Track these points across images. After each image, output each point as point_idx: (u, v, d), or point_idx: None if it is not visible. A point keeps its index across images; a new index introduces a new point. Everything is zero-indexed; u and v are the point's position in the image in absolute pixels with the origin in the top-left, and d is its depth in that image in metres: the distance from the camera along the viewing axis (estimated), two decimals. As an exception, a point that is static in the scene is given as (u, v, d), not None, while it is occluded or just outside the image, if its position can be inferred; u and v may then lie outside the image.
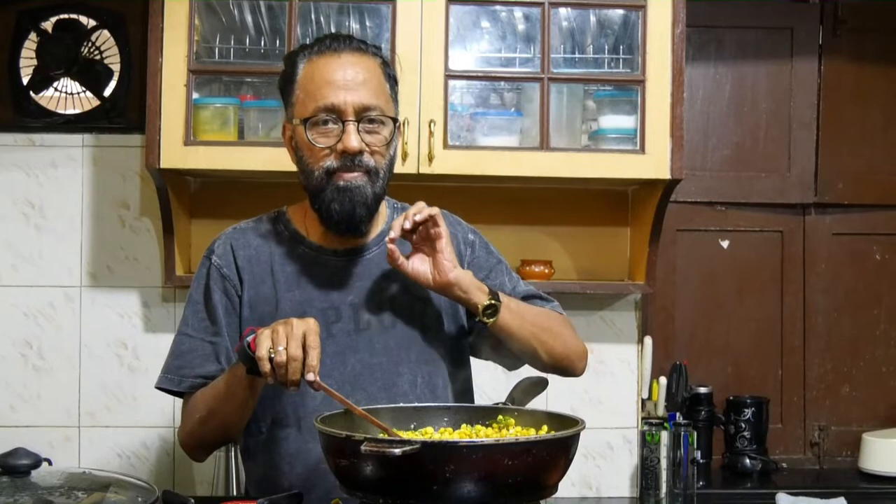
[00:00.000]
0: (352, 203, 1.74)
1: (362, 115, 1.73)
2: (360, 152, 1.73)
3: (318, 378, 1.51)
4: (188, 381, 1.80)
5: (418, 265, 1.72)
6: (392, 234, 1.68)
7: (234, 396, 1.70)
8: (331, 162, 1.74)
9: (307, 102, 1.74)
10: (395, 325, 1.81)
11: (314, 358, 1.51)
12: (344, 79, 1.73)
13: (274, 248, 1.84)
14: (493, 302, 1.72)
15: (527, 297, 1.89)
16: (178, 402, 2.77)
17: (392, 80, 1.82)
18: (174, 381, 1.82)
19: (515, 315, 1.76)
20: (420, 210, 1.69)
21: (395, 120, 1.78)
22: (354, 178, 1.73)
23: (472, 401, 1.93)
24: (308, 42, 1.84)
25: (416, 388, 1.80)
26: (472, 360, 1.94)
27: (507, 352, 1.84)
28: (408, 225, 1.68)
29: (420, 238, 1.72)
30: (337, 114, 1.72)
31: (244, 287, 1.82)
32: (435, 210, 1.70)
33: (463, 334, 1.89)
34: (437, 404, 1.70)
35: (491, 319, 1.73)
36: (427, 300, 1.83)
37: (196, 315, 1.83)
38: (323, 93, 1.73)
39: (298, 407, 1.76)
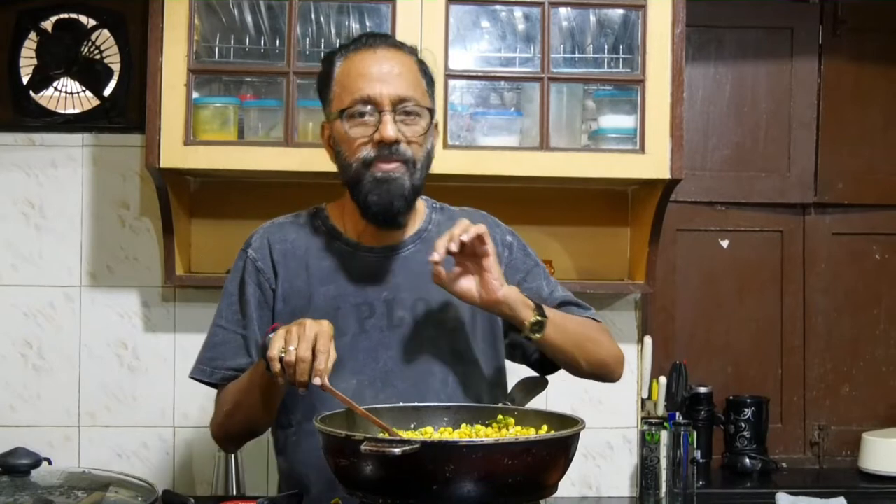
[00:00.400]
0: (389, 194, 1.75)
1: (398, 105, 1.74)
2: (397, 142, 1.73)
3: (325, 381, 1.51)
4: (220, 373, 1.83)
5: (464, 283, 1.69)
6: (436, 256, 1.64)
7: (256, 390, 1.72)
8: (367, 152, 1.74)
9: (343, 96, 1.76)
10: (430, 324, 1.81)
11: (322, 362, 1.51)
12: (380, 71, 1.75)
13: (310, 243, 1.86)
14: (539, 319, 1.71)
15: (563, 304, 1.88)
16: (178, 402, 2.82)
17: (428, 78, 1.83)
18: (206, 372, 1.85)
19: (559, 328, 1.75)
20: (466, 229, 1.65)
21: (431, 111, 1.79)
22: (392, 168, 1.74)
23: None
24: (342, 42, 1.89)
25: (448, 387, 1.80)
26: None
27: (545, 359, 1.86)
28: (454, 247, 1.63)
29: (465, 255, 1.68)
30: (373, 104, 1.74)
31: (279, 281, 1.83)
32: (482, 229, 1.66)
33: (498, 336, 1.89)
34: (436, 404, 1.70)
35: (537, 336, 1.72)
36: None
37: (230, 307, 1.86)
38: (359, 85, 1.74)
39: (328, 400, 1.71)
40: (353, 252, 1.84)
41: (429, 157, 1.81)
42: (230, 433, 1.85)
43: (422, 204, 1.91)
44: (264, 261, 1.85)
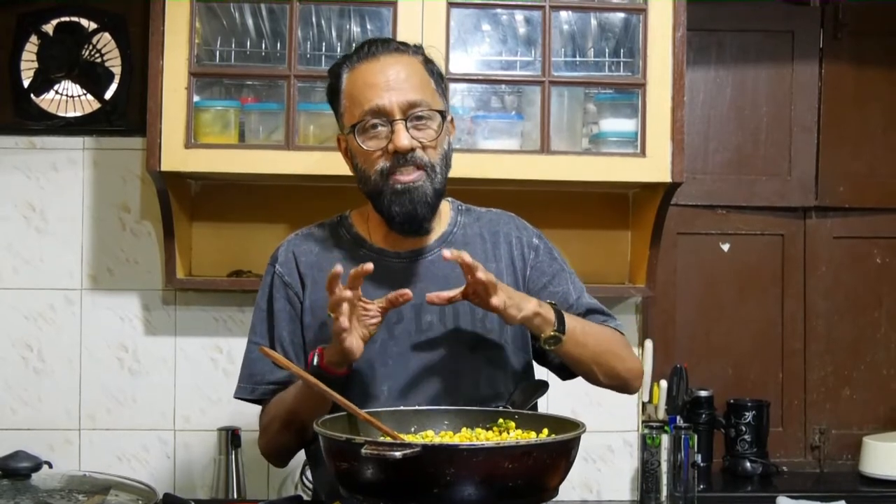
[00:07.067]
0: (412, 203, 1.74)
1: (409, 112, 1.73)
2: (412, 150, 1.72)
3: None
4: (261, 389, 1.84)
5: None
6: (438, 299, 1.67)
7: (306, 407, 1.71)
8: (384, 164, 1.74)
9: (353, 109, 1.76)
10: (458, 327, 1.81)
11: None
12: (386, 80, 1.73)
13: (335, 253, 1.85)
14: (555, 334, 1.71)
15: (589, 312, 1.88)
16: (179, 405, 2.82)
17: (437, 76, 1.81)
18: (247, 389, 1.86)
19: (578, 344, 1.75)
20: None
21: (442, 113, 1.77)
22: (412, 179, 1.73)
23: (536, 406, 1.91)
24: (348, 52, 1.84)
25: (479, 389, 1.80)
26: None
27: (564, 365, 1.86)
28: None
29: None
30: (384, 115, 1.73)
31: (306, 293, 1.84)
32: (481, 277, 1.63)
33: (527, 337, 1.88)
34: (437, 407, 1.70)
35: (552, 348, 1.73)
36: None
37: (262, 323, 1.86)
38: (367, 96, 1.73)
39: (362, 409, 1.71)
40: (377, 258, 1.82)
41: (446, 157, 1.79)
42: (281, 447, 1.85)
43: (446, 206, 1.90)
44: (291, 275, 1.85)
